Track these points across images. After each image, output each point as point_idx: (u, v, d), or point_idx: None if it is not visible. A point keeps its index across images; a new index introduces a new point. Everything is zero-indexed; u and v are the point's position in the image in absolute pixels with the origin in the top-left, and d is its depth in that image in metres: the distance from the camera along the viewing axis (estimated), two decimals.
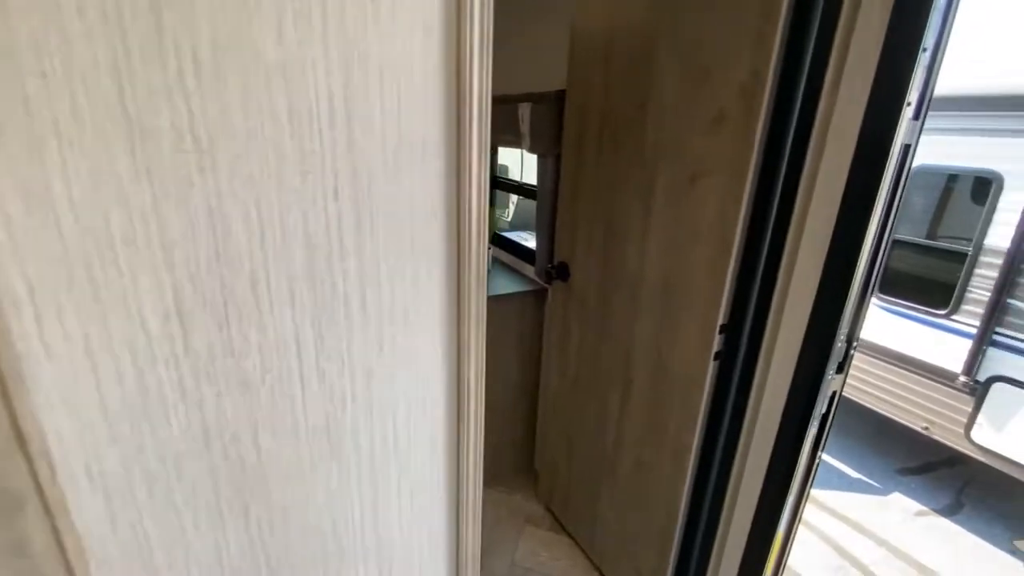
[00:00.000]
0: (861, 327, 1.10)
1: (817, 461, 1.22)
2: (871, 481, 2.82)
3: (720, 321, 1.14)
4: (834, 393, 1.14)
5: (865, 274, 1.03)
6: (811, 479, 1.24)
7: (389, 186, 0.59)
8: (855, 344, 1.09)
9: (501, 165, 4.00)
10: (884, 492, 2.75)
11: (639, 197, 1.31)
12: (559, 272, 1.68)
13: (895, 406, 3.01)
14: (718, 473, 1.29)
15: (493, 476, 2.24)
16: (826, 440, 1.20)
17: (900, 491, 2.75)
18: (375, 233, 0.60)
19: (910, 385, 2.94)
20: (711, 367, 1.19)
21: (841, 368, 1.10)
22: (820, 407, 1.10)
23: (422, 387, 0.70)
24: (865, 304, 1.07)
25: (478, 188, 0.64)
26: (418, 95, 0.58)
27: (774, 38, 0.97)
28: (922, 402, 2.86)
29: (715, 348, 1.17)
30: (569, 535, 1.95)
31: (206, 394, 0.57)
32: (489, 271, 2.19)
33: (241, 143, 0.50)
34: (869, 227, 0.95)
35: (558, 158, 1.69)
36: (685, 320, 1.23)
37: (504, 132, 2.05)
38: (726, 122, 1.06)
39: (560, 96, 1.62)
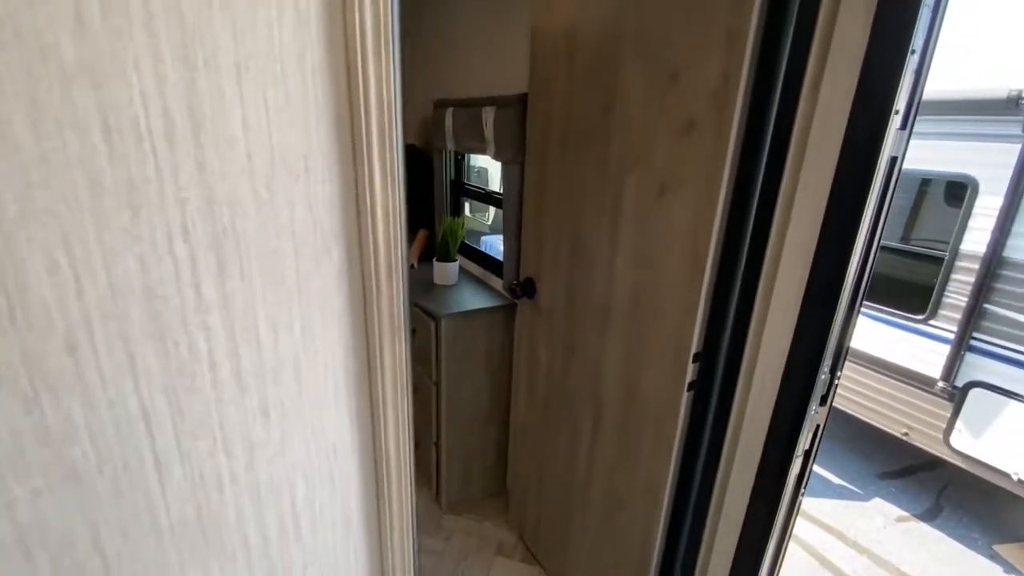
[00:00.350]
0: (846, 356, 1.01)
1: (800, 497, 1.12)
2: (852, 487, 2.79)
3: (694, 349, 1.04)
4: (817, 427, 1.05)
5: (850, 298, 0.93)
6: (794, 515, 1.14)
7: (261, 218, 0.46)
8: (839, 374, 1.00)
9: (481, 169, 3.86)
10: (865, 497, 2.73)
11: (605, 211, 1.20)
12: (525, 289, 1.56)
13: (874, 411, 3.00)
14: (696, 509, 1.18)
15: (463, 502, 2.11)
16: (809, 475, 1.10)
17: (881, 496, 2.74)
18: (246, 277, 0.47)
19: (888, 391, 2.92)
20: (685, 398, 1.08)
21: (824, 400, 1.01)
22: (803, 443, 1.00)
23: (327, 458, 0.58)
24: (850, 331, 0.97)
25: (386, 214, 0.51)
26: (296, 101, 0.45)
27: (747, 37, 0.87)
28: (901, 408, 2.85)
29: (689, 378, 1.06)
30: (541, 566, 1.84)
31: (17, 493, 0.43)
32: (455, 284, 2.07)
33: (32, 169, 0.37)
34: (855, 248, 0.86)
35: (524, 165, 1.58)
36: (656, 347, 1.12)
37: (468, 138, 1.93)
38: (696, 130, 0.96)
39: (527, 100, 1.51)
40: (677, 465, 1.15)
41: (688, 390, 1.08)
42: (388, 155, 0.49)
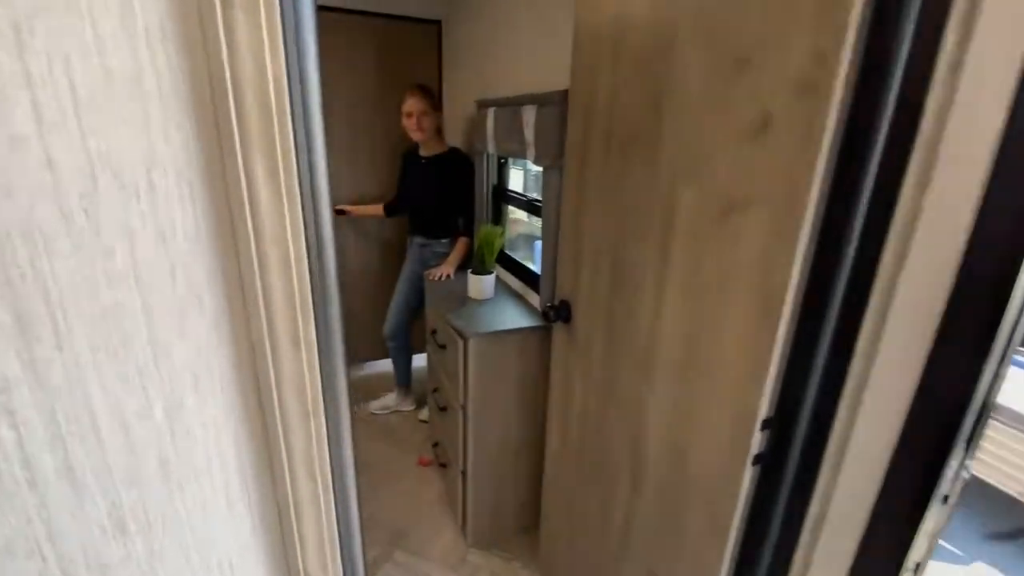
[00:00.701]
0: (982, 435, 0.72)
1: None
2: (952, 547, 2.34)
3: (763, 414, 0.80)
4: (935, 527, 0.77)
5: (1002, 352, 0.65)
6: None
7: (82, 256, 0.31)
8: (969, 466, 0.72)
9: (539, 173, 3.69)
10: (966, 560, 2.31)
11: (653, 230, 0.98)
12: (559, 312, 1.37)
13: (986, 464, 2.50)
14: None
15: (491, 537, 1.94)
16: None
17: (986, 561, 2.30)
18: (66, 343, 0.32)
19: (1006, 441, 2.43)
20: (748, 473, 0.84)
21: (947, 499, 0.73)
22: (915, 555, 0.73)
23: None
24: (993, 399, 0.69)
25: (283, 249, 0.35)
26: (124, 84, 0.29)
27: (851, 1, 0.63)
28: (1021, 462, 2.36)
29: (755, 450, 0.82)
30: None
31: None
32: (490, 299, 1.90)
33: None
34: (1017, 284, 0.59)
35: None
36: (714, 405, 0.88)
37: (508, 140, 1.76)
38: (773, 131, 0.72)
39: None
40: (734, 557, 0.90)
41: (754, 463, 0.83)
42: (282, 162, 0.33)
